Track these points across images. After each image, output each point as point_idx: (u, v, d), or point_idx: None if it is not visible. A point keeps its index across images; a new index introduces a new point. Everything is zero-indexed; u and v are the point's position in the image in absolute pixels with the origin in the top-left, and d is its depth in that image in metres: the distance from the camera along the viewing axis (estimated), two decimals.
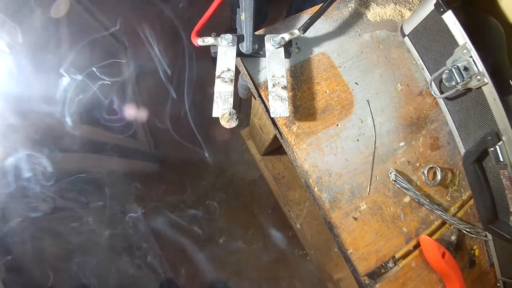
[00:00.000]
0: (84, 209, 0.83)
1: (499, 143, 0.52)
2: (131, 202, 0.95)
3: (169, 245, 1.07)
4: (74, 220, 0.79)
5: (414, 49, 0.59)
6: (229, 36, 0.54)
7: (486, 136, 0.54)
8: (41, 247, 0.76)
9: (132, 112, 1.17)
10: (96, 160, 0.91)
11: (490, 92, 0.51)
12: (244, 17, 0.51)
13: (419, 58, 0.59)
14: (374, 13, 0.59)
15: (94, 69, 0.88)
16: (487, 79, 0.50)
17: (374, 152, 0.54)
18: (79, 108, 0.84)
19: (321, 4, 0.55)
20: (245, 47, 0.54)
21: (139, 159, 1.21)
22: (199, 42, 0.54)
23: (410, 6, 0.62)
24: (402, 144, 0.56)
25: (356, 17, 0.59)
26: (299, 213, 1.32)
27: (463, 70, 0.53)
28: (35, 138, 0.78)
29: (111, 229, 0.84)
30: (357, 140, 0.54)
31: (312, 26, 0.53)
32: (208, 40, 0.54)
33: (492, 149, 0.53)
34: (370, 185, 0.54)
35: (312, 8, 0.58)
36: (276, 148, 1.27)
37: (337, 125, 0.54)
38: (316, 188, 0.52)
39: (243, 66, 0.55)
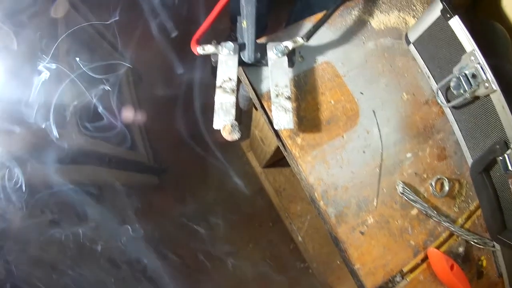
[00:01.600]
0: (82, 222, 0.80)
1: (507, 152, 0.50)
2: (130, 215, 0.92)
3: (169, 258, 1.04)
4: (70, 234, 0.77)
5: (419, 57, 0.58)
6: (230, 44, 0.52)
7: (495, 145, 0.53)
8: (34, 261, 0.74)
9: (131, 120, 1.14)
10: (93, 172, 0.89)
11: (498, 99, 0.50)
12: (246, 24, 0.49)
13: (425, 66, 0.58)
14: (378, 20, 0.58)
15: (88, 69, 0.85)
16: (495, 86, 0.49)
17: (380, 164, 0.53)
18: (75, 116, 0.81)
19: (325, 12, 0.54)
20: (247, 56, 0.52)
21: (138, 172, 1.18)
22: (199, 50, 0.52)
23: (414, 13, 0.60)
24: (409, 155, 0.55)
25: (360, 24, 0.57)
26: (301, 226, 1.30)
27: (471, 77, 0.51)
28: (28, 148, 0.75)
29: (109, 243, 0.82)
30: (363, 151, 0.53)
31: (315, 34, 0.51)
32: (209, 48, 0.52)
33: (500, 158, 0.52)
34: (377, 198, 0.53)
35: (314, 16, 0.56)
36: (277, 160, 1.25)
37: (343, 136, 0.52)
38: (321, 202, 0.50)
39: (245, 76, 0.53)
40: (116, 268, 0.85)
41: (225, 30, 1.48)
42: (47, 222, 0.78)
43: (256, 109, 0.73)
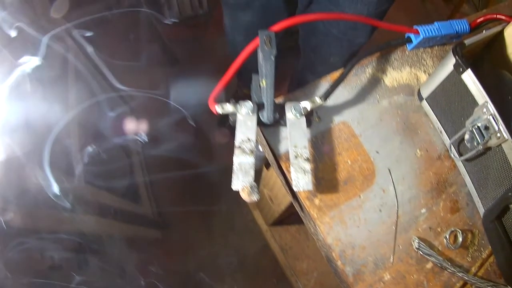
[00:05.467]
0: (82, 270, 0.79)
1: None
2: (131, 268, 0.91)
3: None
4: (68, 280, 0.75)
5: (432, 112, 0.59)
6: (249, 104, 0.52)
7: (507, 192, 0.53)
8: None
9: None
10: (97, 222, 0.88)
11: (510, 148, 0.50)
12: (265, 84, 0.49)
13: (437, 122, 0.59)
14: (391, 77, 0.59)
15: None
16: (507, 135, 0.49)
17: (396, 221, 0.54)
18: (85, 159, 0.80)
19: (341, 70, 0.55)
20: (266, 116, 0.52)
21: (141, 225, 1.17)
22: (218, 109, 0.52)
23: (425, 68, 0.62)
24: (423, 210, 0.56)
25: (374, 83, 0.58)
26: (307, 283, 1.30)
27: (484, 129, 0.52)
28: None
29: None
30: (380, 210, 0.54)
31: (331, 94, 0.53)
32: (228, 108, 0.52)
33: None
34: (393, 255, 0.53)
35: (330, 75, 0.58)
36: (284, 218, 1.26)
37: (360, 196, 0.53)
38: (339, 262, 0.51)
39: (263, 136, 0.54)
40: None
41: (232, 86, 1.50)
42: (46, 267, 0.75)
43: (267, 168, 0.74)
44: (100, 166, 0.82)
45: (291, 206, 0.94)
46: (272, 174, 0.86)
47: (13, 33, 0.66)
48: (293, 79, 1.34)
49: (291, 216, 1.34)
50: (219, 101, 0.54)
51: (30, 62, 0.64)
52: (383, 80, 0.59)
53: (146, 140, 0.76)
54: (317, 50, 1.02)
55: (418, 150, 0.57)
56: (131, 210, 1.12)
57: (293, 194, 0.53)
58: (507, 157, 0.52)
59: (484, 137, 0.52)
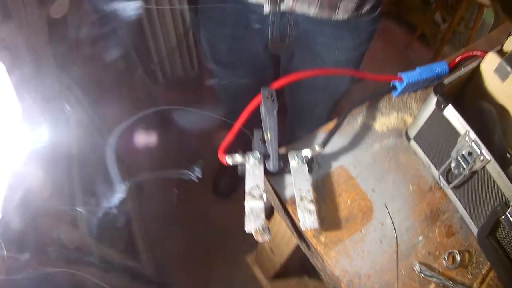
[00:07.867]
0: None
1: (509, 210, 0.56)
2: None
3: None
4: None
5: (420, 150, 0.67)
6: (256, 154, 0.60)
7: (496, 208, 0.59)
8: None
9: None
10: (96, 276, 0.87)
11: (493, 168, 0.56)
12: (270, 136, 0.57)
13: (426, 157, 0.67)
14: (380, 123, 0.68)
15: None
16: (489, 156, 0.56)
17: (397, 250, 0.61)
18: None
19: (335, 121, 0.64)
20: (272, 166, 0.60)
21: (141, 282, 1.19)
22: (228, 160, 0.60)
23: (410, 111, 0.70)
24: (420, 238, 0.63)
25: (365, 129, 0.67)
26: None
27: (468, 155, 0.59)
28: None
29: None
30: (380, 242, 0.61)
31: (328, 142, 0.61)
32: (237, 158, 0.60)
33: (503, 217, 0.57)
34: (397, 281, 0.61)
35: (326, 125, 0.67)
36: (284, 271, 1.30)
37: (361, 231, 0.61)
38: None
39: (269, 184, 0.63)
40: None
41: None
42: None
43: (269, 219, 0.80)
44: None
45: (292, 254, 0.99)
46: (273, 225, 0.91)
47: None
48: (283, 135, 1.42)
49: (291, 270, 1.37)
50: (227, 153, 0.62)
51: None
52: (374, 126, 0.68)
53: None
54: (303, 102, 1.08)
55: (410, 185, 0.65)
56: (130, 266, 1.12)
57: (300, 235, 0.62)
58: (492, 177, 0.59)
59: (468, 162, 0.59)
